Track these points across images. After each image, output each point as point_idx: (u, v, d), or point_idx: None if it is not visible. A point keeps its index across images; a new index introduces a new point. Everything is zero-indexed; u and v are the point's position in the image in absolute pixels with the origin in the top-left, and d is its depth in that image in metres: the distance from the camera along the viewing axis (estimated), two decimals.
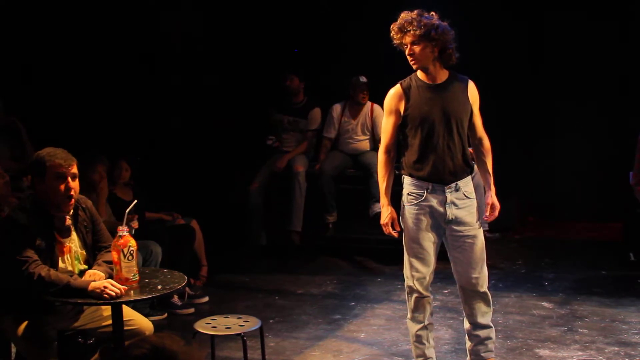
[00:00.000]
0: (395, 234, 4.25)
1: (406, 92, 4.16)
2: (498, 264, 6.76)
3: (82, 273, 3.78)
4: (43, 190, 3.74)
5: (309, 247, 7.35)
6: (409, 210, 4.19)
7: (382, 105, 4.36)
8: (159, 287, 3.76)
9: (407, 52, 4.12)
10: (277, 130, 7.57)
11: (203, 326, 4.16)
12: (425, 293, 4.24)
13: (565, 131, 8.16)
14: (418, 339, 4.30)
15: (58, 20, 6.51)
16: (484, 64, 7.37)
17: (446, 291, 6.00)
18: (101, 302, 3.58)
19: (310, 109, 7.46)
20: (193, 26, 7.91)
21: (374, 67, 7.23)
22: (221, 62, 7.95)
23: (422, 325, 4.27)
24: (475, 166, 4.35)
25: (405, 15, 4.08)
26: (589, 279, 6.38)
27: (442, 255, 4.33)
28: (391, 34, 4.12)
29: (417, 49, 4.06)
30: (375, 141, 7.28)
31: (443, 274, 5.27)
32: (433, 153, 4.12)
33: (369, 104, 7.39)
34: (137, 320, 3.92)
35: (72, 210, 3.83)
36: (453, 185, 4.14)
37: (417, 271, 4.20)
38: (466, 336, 4.38)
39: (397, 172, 4.32)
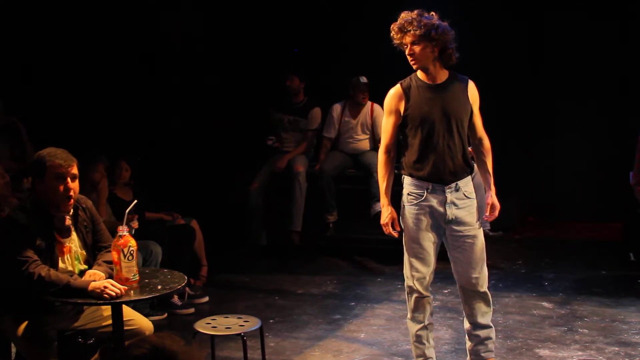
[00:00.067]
0: (395, 234, 4.25)
1: (406, 92, 4.16)
2: (498, 264, 6.76)
3: (82, 273, 3.78)
4: (43, 191, 3.75)
5: (309, 247, 7.36)
6: (409, 210, 4.19)
7: (382, 105, 4.37)
8: (159, 287, 3.76)
9: (407, 52, 4.12)
10: (277, 129, 7.58)
11: (203, 326, 4.16)
12: (425, 293, 4.24)
13: (565, 131, 8.16)
14: (418, 339, 4.30)
15: (58, 20, 6.51)
16: (484, 64, 7.38)
17: (446, 291, 6.00)
18: (101, 302, 3.58)
19: (310, 108, 7.46)
20: (193, 26, 7.90)
21: (374, 67, 7.23)
22: (221, 62, 7.95)
23: (422, 325, 4.27)
24: (476, 166, 4.35)
25: (405, 15, 4.08)
26: (589, 279, 6.38)
27: (442, 255, 4.33)
28: (391, 34, 4.12)
29: (417, 49, 4.06)
30: (375, 141, 7.28)
31: (443, 274, 5.27)
32: (433, 153, 4.12)
33: (369, 103, 7.40)
34: (137, 320, 3.92)
35: (72, 211, 3.83)
36: (453, 185, 4.14)
37: (417, 271, 4.21)
38: (466, 336, 4.38)
39: (397, 172, 4.33)
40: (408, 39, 4.06)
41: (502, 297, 5.86)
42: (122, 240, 3.69)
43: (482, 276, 4.25)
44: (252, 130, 7.85)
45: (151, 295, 3.74)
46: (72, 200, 3.77)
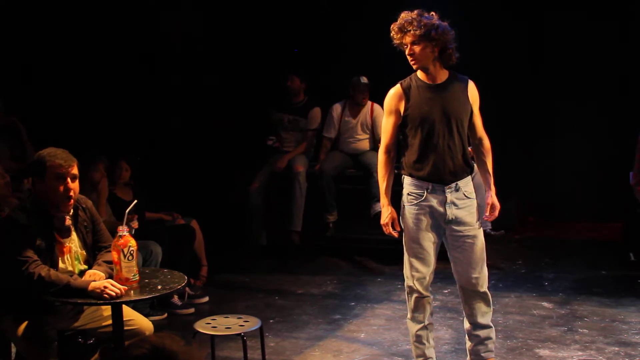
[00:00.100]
0: (395, 234, 4.25)
1: (406, 92, 4.16)
2: (498, 264, 6.76)
3: (82, 273, 3.78)
4: (43, 191, 3.75)
5: (309, 247, 7.35)
6: (409, 210, 4.19)
7: (382, 105, 4.37)
8: (159, 287, 3.76)
9: (407, 52, 4.12)
10: (277, 129, 7.57)
11: (203, 326, 4.16)
12: (425, 293, 4.24)
13: (565, 131, 8.16)
14: (418, 339, 4.30)
15: (58, 20, 6.51)
16: (484, 64, 7.38)
17: (446, 291, 6.00)
18: (101, 302, 3.58)
19: (310, 108, 7.46)
20: (193, 26, 7.90)
21: (374, 67, 7.23)
22: (221, 62, 7.95)
23: (422, 325, 4.27)
24: (476, 166, 4.35)
25: (405, 15, 4.08)
26: (589, 279, 6.38)
27: (442, 255, 4.33)
28: (391, 34, 4.12)
29: (417, 49, 4.07)
30: (375, 141, 7.28)
31: (443, 274, 5.27)
32: (433, 153, 4.12)
33: (369, 103, 7.40)
34: (137, 320, 3.92)
35: (72, 211, 3.83)
36: (453, 185, 4.14)
37: (417, 271, 4.21)
38: (466, 336, 4.38)
39: (397, 172, 4.33)
40: (408, 39, 4.07)
41: (502, 297, 5.86)
42: (122, 240, 3.69)
43: (482, 276, 4.25)
44: (252, 130, 7.85)
45: (151, 295, 3.74)
46: (72, 201, 3.77)
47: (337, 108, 7.49)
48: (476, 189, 4.30)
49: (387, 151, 4.26)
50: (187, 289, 5.81)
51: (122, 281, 3.67)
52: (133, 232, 5.01)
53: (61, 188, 3.71)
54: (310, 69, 7.75)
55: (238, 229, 7.41)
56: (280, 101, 7.56)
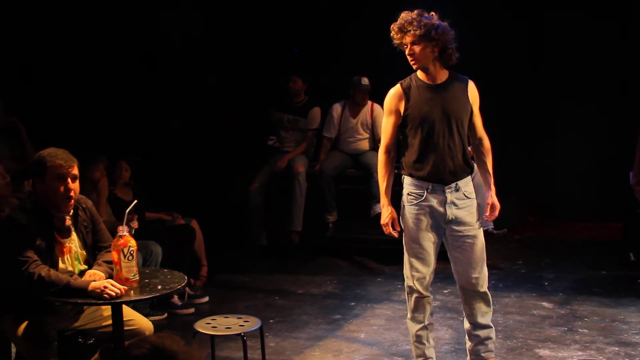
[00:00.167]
0: (395, 234, 4.25)
1: (406, 92, 4.16)
2: (498, 264, 6.76)
3: (82, 273, 3.78)
4: (43, 191, 3.75)
5: (309, 247, 7.35)
6: (409, 210, 4.19)
7: (382, 105, 4.37)
8: (159, 287, 3.76)
9: (407, 52, 4.12)
10: (277, 129, 7.57)
11: (203, 326, 4.16)
12: (425, 293, 4.24)
13: (565, 131, 8.17)
14: (418, 339, 4.30)
15: (58, 20, 6.51)
16: (484, 64, 7.38)
17: (446, 291, 6.00)
18: (101, 302, 3.58)
19: (310, 108, 7.46)
20: (193, 26, 7.90)
21: (374, 67, 7.23)
22: (221, 62, 7.95)
23: (422, 325, 4.27)
24: (476, 166, 4.35)
25: (405, 15, 4.08)
26: (589, 279, 6.38)
27: (442, 255, 4.33)
28: (391, 34, 4.12)
29: (417, 49, 4.07)
30: (375, 141, 7.28)
31: (443, 274, 5.27)
32: (433, 153, 4.12)
33: (369, 103, 7.40)
34: (137, 320, 3.92)
35: (72, 211, 3.83)
36: (453, 185, 4.14)
37: (417, 271, 4.20)
38: (466, 336, 4.38)
39: (397, 172, 4.33)
40: (408, 39, 4.07)
41: (502, 297, 5.86)
42: (122, 240, 3.69)
43: (482, 276, 4.25)
44: (252, 130, 7.85)
45: (151, 295, 3.74)
46: (72, 201, 3.77)
47: (337, 108, 7.49)
48: (476, 189, 4.31)
49: (387, 151, 4.26)
50: (187, 289, 5.81)
51: (122, 281, 3.67)
52: (133, 232, 5.01)
53: (61, 188, 3.71)
54: (310, 69, 7.75)
55: (238, 229, 7.41)
56: (280, 101, 7.56)
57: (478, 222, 4.22)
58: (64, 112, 6.52)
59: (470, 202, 4.19)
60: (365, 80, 7.29)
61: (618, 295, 5.90)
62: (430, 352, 4.33)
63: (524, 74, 8.17)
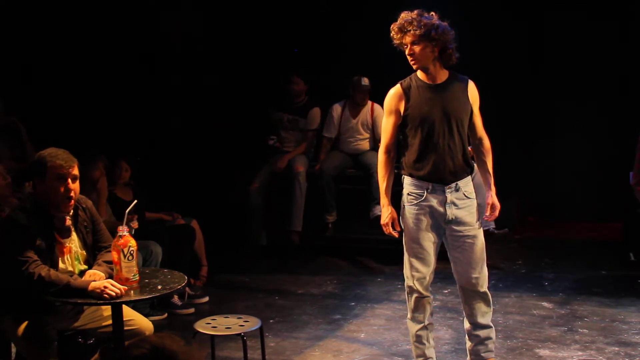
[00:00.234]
0: (395, 234, 4.25)
1: (406, 92, 4.16)
2: (498, 264, 6.76)
3: (82, 273, 3.78)
4: (43, 191, 3.75)
5: (309, 247, 7.35)
6: (409, 210, 4.19)
7: (382, 105, 4.37)
8: (159, 287, 3.76)
9: (407, 52, 4.12)
10: (277, 129, 7.57)
11: (203, 326, 4.16)
12: (425, 293, 4.24)
13: (565, 131, 8.16)
14: (418, 339, 4.30)
15: (58, 20, 6.51)
16: (484, 64, 7.37)
17: (446, 291, 6.00)
18: (101, 302, 3.58)
19: (310, 108, 7.46)
20: (193, 26, 7.90)
21: (374, 67, 7.23)
22: (221, 62, 7.95)
23: (422, 325, 4.27)
24: (476, 166, 4.35)
25: (405, 15, 4.08)
26: (589, 279, 6.38)
27: (442, 255, 4.33)
28: (391, 34, 4.13)
29: (417, 49, 4.07)
30: (375, 141, 7.28)
31: (443, 274, 5.27)
32: (433, 153, 4.12)
33: (369, 103, 7.40)
34: (137, 320, 3.92)
35: (72, 211, 3.83)
36: (453, 185, 4.14)
37: (417, 271, 4.21)
38: (466, 336, 4.38)
39: (397, 172, 4.33)
40: (408, 39, 4.07)
41: (502, 297, 5.86)
42: (122, 240, 3.69)
43: (482, 276, 4.25)
44: (252, 130, 7.84)
45: (151, 295, 3.74)
46: (72, 201, 3.77)
47: (337, 108, 7.49)
48: (476, 189, 4.31)
49: (387, 151, 4.26)
50: (187, 289, 5.81)
51: (122, 281, 3.67)
52: (133, 232, 5.00)
53: (62, 188, 3.71)
54: (310, 69, 7.75)
55: (238, 229, 7.41)
56: (280, 101, 7.56)
57: (478, 222, 4.22)
58: (64, 112, 6.52)
59: (470, 202, 4.19)
60: (365, 81, 7.29)
61: (618, 295, 5.90)
62: (430, 352, 4.33)
63: (524, 74, 8.17)
